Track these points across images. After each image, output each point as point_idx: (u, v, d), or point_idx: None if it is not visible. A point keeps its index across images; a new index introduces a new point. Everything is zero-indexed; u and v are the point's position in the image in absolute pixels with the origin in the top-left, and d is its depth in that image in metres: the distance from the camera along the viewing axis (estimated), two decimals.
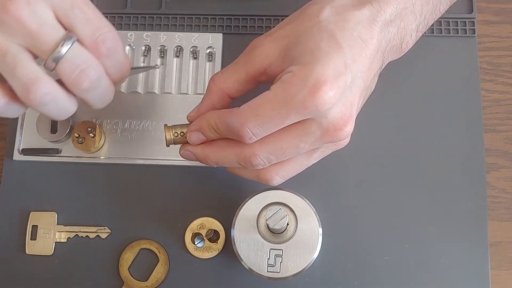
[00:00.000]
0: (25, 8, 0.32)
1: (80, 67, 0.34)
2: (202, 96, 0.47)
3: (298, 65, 0.33)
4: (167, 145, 0.39)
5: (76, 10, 0.34)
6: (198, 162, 0.39)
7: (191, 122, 0.39)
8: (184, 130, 0.39)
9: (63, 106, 0.35)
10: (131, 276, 0.45)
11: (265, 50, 0.36)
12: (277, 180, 0.38)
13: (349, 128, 0.35)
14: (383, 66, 0.39)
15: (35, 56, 0.34)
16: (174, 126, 0.39)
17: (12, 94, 0.34)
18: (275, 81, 0.35)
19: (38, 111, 0.35)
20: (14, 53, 0.33)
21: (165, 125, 0.39)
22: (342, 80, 0.33)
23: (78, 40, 0.34)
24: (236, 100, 0.39)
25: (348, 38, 0.34)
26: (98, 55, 0.35)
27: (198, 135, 0.37)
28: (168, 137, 0.39)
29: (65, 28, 0.34)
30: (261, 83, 0.38)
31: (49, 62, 0.33)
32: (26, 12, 0.32)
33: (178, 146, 0.39)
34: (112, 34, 0.35)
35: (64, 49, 0.33)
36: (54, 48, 0.33)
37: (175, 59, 0.49)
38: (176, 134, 0.39)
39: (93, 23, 0.35)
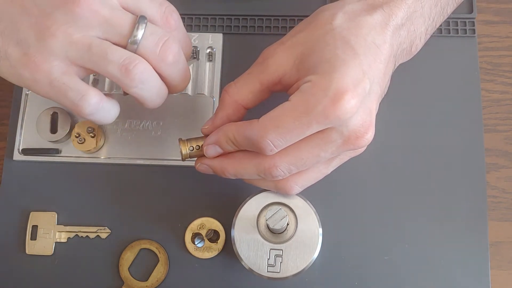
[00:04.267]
0: None
1: (162, 40, 0.34)
2: (203, 96, 0.48)
3: (316, 74, 0.33)
4: (183, 160, 0.39)
5: None
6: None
7: (205, 135, 0.38)
8: (200, 144, 0.38)
9: (158, 85, 0.36)
10: (131, 276, 0.45)
11: (278, 60, 0.36)
12: (296, 189, 0.37)
13: (370, 135, 0.35)
14: (394, 69, 0.39)
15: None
16: (189, 140, 0.38)
17: (102, 94, 0.35)
18: (291, 91, 0.35)
19: (136, 95, 0.35)
20: (98, 43, 0.33)
21: (180, 139, 0.39)
22: (362, 88, 0.33)
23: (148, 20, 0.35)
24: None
25: (362, 44, 0.34)
26: (170, 29, 0.36)
27: (216, 148, 0.37)
28: (184, 152, 0.38)
29: (132, 12, 0.35)
30: (274, 93, 0.38)
31: (130, 45, 0.34)
32: (96, 1, 0.33)
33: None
34: (173, 7, 0.37)
35: (141, 30, 0.34)
36: (131, 30, 0.34)
37: None
38: (191, 148, 0.38)
39: (155, 0, 0.36)
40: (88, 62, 0.33)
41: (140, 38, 0.34)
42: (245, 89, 0.37)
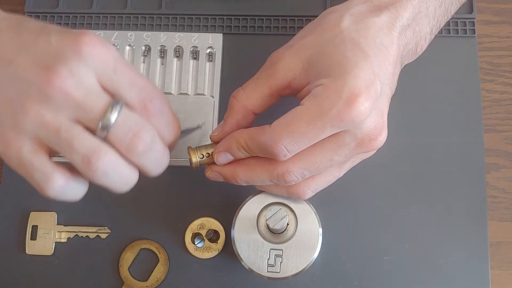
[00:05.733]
0: (69, 79, 0.31)
1: (132, 130, 0.32)
2: (203, 96, 0.48)
3: (328, 77, 0.33)
4: (193, 168, 0.38)
5: (119, 73, 0.33)
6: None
7: (215, 142, 0.38)
8: (210, 151, 0.38)
9: (125, 175, 0.34)
10: (131, 276, 0.45)
11: (287, 64, 0.36)
12: (309, 194, 0.37)
13: (383, 136, 0.34)
14: (400, 70, 0.39)
15: (85, 127, 0.32)
16: (199, 148, 0.38)
17: (70, 174, 0.33)
18: (301, 95, 0.35)
19: (100, 184, 0.33)
20: (67, 127, 0.32)
21: (189, 148, 0.38)
22: (374, 89, 0.33)
23: (126, 104, 0.33)
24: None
25: (372, 45, 0.34)
26: (148, 115, 0.34)
27: (226, 156, 0.37)
28: (194, 160, 0.38)
29: (110, 93, 0.33)
30: (283, 97, 0.37)
31: (100, 131, 0.32)
32: (71, 83, 0.31)
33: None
34: (158, 92, 0.35)
35: (113, 116, 0.32)
36: (103, 115, 0.32)
37: (175, 59, 0.49)
38: (201, 156, 0.38)
39: (138, 84, 0.34)
40: (55, 145, 0.32)
41: (111, 125, 0.32)
42: (254, 94, 0.37)
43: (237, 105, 0.37)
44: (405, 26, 0.36)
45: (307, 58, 0.35)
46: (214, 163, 0.38)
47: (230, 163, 0.37)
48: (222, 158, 0.37)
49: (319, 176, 0.37)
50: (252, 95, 0.37)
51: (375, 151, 0.37)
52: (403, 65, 0.39)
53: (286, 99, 0.38)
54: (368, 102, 0.32)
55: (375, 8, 0.36)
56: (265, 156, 0.35)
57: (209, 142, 0.39)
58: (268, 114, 0.37)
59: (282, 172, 0.35)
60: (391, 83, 0.36)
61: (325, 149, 0.34)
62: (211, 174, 0.38)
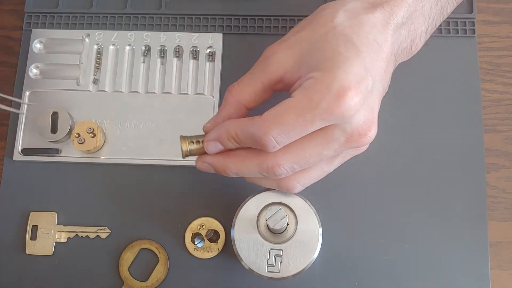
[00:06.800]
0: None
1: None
2: (202, 96, 0.48)
3: (319, 71, 0.33)
4: (183, 157, 0.38)
5: None
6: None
7: (207, 133, 0.38)
8: (200, 140, 0.38)
9: None
10: (131, 276, 0.45)
11: (279, 58, 0.36)
12: (298, 188, 0.37)
13: (373, 132, 0.35)
14: (394, 68, 0.39)
15: None
16: (190, 137, 0.38)
17: None
18: (293, 89, 0.35)
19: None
20: None
21: (181, 136, 0.38)
22: (364, 85, 0.33)
23: None
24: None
25: (365, 42, 0.34)
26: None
27: (216, 145, 0.37)
28: (184, 148, 0.38)
29: None
30: (277, 91, 0.38)
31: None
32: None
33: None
34: None
35: None
36: None
37: (175, 59, 0.49)
38: (192, 143, 0.38)
39: None
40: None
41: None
42: (248, 89, 0.37)
43: (230, 99, 0.37)
44: (399, 24, 0.36)
45: (300, 53, 0.35)
46: (205, 153, 0.38)
47: (220, 154, 0.37)
48: (212, 147, 0.37)
49: (309, 170, 0.37)
50: (245, 90, 0.37)
51: (365, 147, 0.37)
52: (397, 64, 0.39)
53: (281, 95, 0.38)
54: (358, 97, 0.32)
55: (369, 5, 0.36)
56: (255, 147, 0.35)
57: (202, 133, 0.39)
58: (262, 110, 0.37)
59: (272, 165, 0.35)
60: (384, 80, 0.36)
61: (314, 142, 0.34)
62: (202, 165, 0.38)
